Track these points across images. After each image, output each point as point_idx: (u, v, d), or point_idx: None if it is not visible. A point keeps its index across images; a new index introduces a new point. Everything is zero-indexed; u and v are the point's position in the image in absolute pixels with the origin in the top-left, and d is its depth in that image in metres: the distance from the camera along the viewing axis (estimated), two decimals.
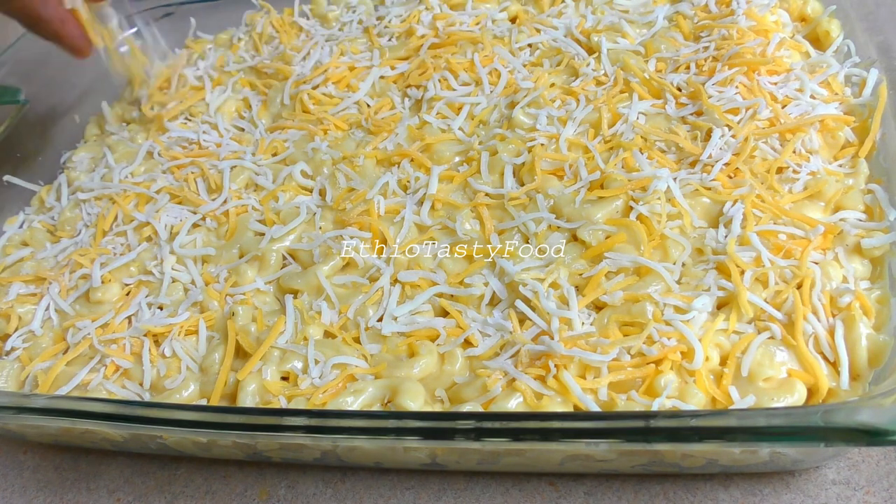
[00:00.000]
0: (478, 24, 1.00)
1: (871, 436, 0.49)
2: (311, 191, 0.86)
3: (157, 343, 0.75)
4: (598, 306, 0.68)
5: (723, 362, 0.63)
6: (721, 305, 0.66)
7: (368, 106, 0.94)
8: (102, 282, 0.80)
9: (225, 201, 0.86)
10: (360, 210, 0.79)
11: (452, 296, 0.72)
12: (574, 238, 0.73)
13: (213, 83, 1.02)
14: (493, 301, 0.71)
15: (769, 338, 0.63)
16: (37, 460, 0.81)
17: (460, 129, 0.87)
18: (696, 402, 0.60)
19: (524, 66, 0.93)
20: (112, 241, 0.85)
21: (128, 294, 0.80)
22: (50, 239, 0.88)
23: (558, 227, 0.74)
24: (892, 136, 0.73)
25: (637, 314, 0.64)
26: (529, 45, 0.96)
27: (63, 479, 0.79)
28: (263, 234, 0.81)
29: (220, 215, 0.85)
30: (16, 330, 0.80)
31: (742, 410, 0.59)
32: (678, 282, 0.68)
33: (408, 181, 0.83)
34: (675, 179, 0.73)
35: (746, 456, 0.62)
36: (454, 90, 0.92)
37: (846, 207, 0.70)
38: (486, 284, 0.71)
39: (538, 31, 0.98)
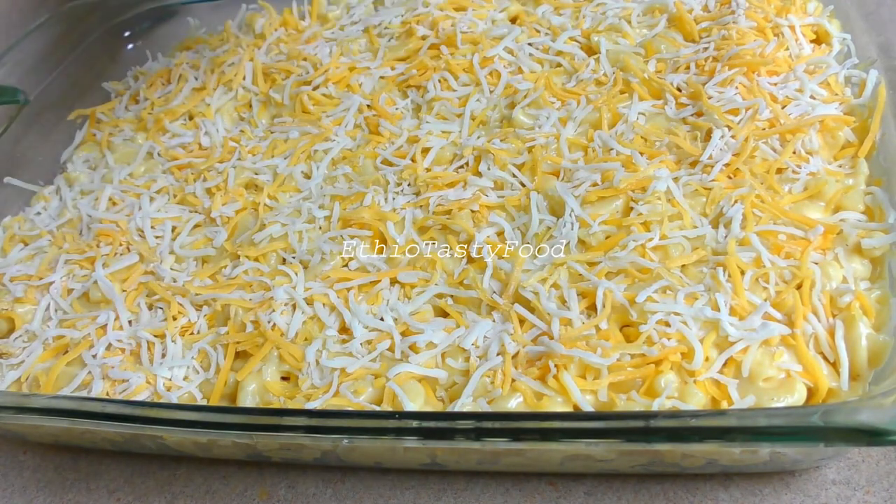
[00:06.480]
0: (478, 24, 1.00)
1: (871, 436, 0.49)
2: (310, 191, 0.86)
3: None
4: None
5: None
6: None
7: (368, 106, 0.94)
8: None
9: (225, 201, 0.86)
10: (360, 210, 0.79)
11: (452, 296, 0.72)
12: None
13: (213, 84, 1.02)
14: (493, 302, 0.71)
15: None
16: (37, 460, 0.81)
17: (459, 129, 0.87)
18: (696, 402, 0.60)
19: (521, 68, 0.93)
20: (113, 242, 0.84)
21: (128, 294, 0.80)
22: (50, 239, 0.88)
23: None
24: (892, 136, 0.73)
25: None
26: (530, 45, 0.96)
27: (63, 479, 0.79)
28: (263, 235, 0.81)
29: (220, 216, 0.85)
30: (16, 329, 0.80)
31: (742, 410, 0.59)
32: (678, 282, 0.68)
33: (408, 181, 0.83)
34: (675, 180, 0.73)
35: (746, 456, 0.62)
36: (454, 90, 0.92)
37: (846, 208, 0.70)
38: (486, 285, 0.71)
39: (537, 31, 0.98)
